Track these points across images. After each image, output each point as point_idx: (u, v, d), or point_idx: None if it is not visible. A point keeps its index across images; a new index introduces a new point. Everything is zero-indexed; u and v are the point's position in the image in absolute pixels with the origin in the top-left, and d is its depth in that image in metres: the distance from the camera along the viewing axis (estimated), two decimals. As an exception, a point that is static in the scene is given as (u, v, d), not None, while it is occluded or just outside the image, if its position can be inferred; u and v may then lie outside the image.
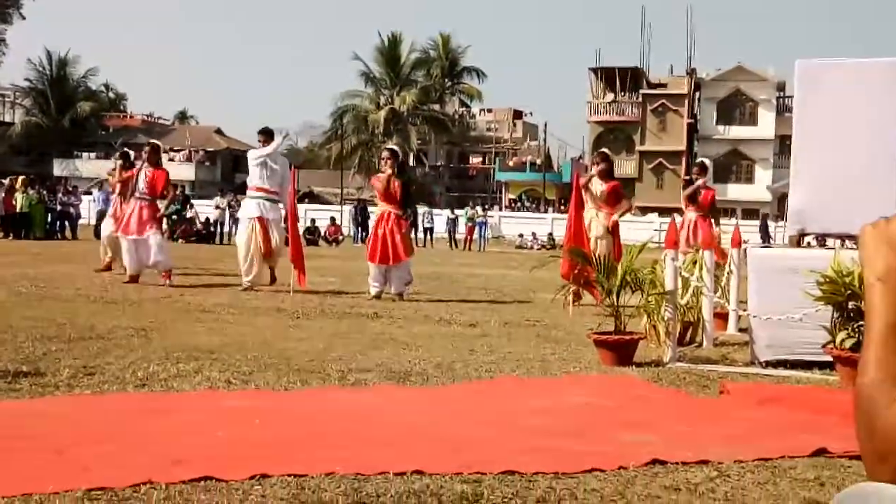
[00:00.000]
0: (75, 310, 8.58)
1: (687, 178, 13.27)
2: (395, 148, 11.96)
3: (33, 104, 65.52)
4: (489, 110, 74.63)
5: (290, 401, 4.94)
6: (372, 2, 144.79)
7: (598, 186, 11.45)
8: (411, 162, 62.57)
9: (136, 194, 12.17)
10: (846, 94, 7.04)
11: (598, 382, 5.79)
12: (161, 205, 12.54)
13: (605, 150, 13.40)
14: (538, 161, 62.14)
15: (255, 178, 11.68)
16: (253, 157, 11.79)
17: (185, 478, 3.29)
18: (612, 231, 11.26)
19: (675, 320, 6.70)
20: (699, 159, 13.44)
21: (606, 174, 11.63)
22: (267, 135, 11.87)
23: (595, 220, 11.19)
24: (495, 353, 6.79)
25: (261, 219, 11.51)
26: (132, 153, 14.56)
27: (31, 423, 4.14)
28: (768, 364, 6.52)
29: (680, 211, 13.02)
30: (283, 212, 11.97)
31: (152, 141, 13.43)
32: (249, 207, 11.78)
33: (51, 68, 65.06)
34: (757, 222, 42.24)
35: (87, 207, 32.25)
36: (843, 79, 7.13)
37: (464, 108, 70.90)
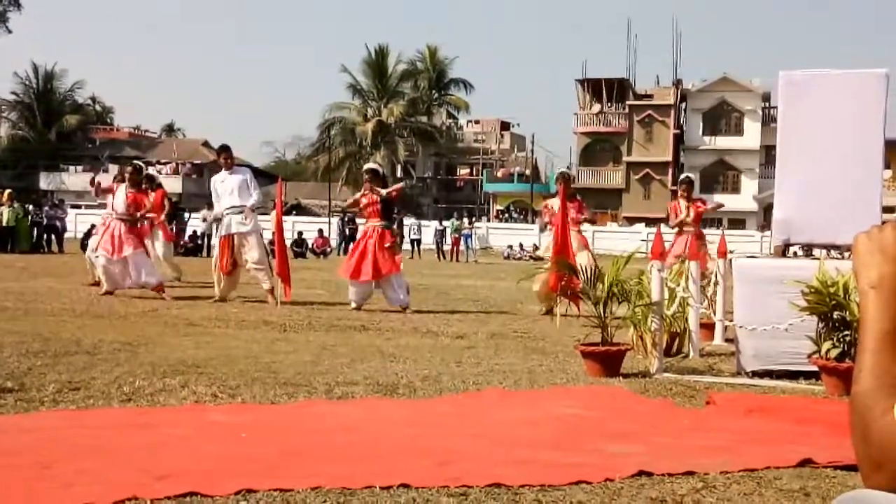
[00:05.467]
0: (61, 324, 8.54)
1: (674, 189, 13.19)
2: (374, 166, 12.14)
3: (20, 118, 65.34)
4: (476, 122, 74.71)
5: (276, 415, 4.92)
6: (359, 14, 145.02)
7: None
8: (399, 174, 62.56)
9: (115, 214, 12.13)
10: (830, 105, 7.08)
11: (585, 394, 5.80)
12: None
13: (563, 170, 13.63)
14: (526, 172, 62.24)
15: (223, 196, 11.81)
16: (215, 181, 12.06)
17: (170, 493, 3.28)
18: (586, 245, 11.63)
19: (661, 331, 6.72)
20: (683, 175, 13.39)
21: (570, 194, 11.84)
22: (226, 151, 12.05)
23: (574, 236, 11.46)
24: (482, 365, 6.78)
25: (226, 237, 11.64)
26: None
27: (15, 439, 4.12)
28: (754, 374, 6.54)
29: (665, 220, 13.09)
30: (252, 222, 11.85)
31: (135, 162, 13.41)
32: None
33: (37, 82, 64.91)
34: (742, 232, 42.41)
35: (74, 221, 32.20)
36: (826, 90, 7.17)
37: (451, 120, 70.94)
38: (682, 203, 12.10)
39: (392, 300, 10.95)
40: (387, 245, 10.93)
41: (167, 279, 14.34)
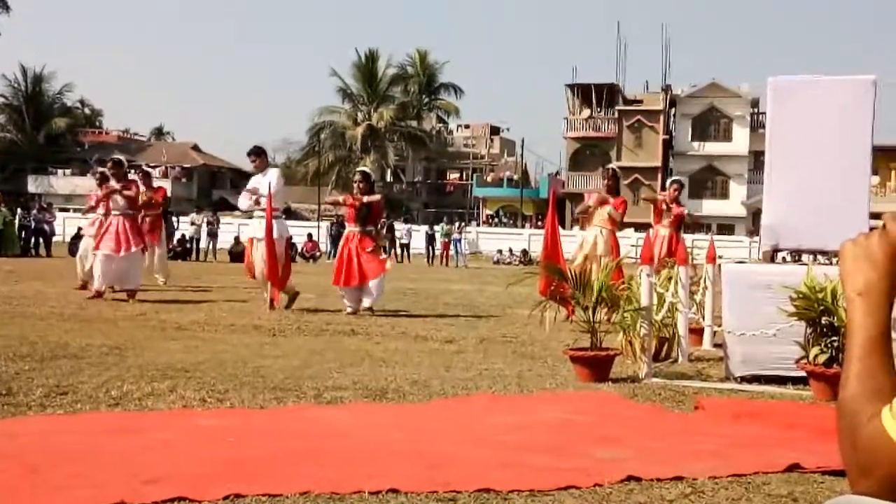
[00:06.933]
0: (48, 328, 8.50)
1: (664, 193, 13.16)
2: (366, 170, 12.12)
3: (8, 120, 65.14)
4: (466, 126, 74.84)
5: (264, 419, 4.91)
6: (349, 17, 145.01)
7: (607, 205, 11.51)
8: (388, 178, 62.54)
9: (116, 211, 12.15)
10: (818, 111, 7.11)
11: (574, 398, 5.80)
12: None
13: (611, 166, 13.19)
14: (515, 177, 62.32)
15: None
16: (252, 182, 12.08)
17: (157, 498, 3.27)
18: (614, 249, 11.19)
19: (650, 336, 6.73)
20: (673, 177, 13.38)
21: (615, 190, 11.72)
22: (258, 154, 11.93)
23: (599, 237, 11.26)
24: (472, 370, 6.78)
25: (251, 239, 11.75)
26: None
27: (3, 444, 4.09)
28: (743, 379, 6.56)
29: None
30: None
31: (113, 157, 13.35)
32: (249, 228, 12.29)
33: (26, 84, 64.72)
34: (731, 237, 42.52)
35: (62, 224, 32.10)
36: (814, 96, 7.20)
37: (441, 125, 71.03)
38: (668, 200, 12.23)
39: (367, 300, 10.98)
40: (368, 249, 10.95)
41: (159, 282, 14.38)
